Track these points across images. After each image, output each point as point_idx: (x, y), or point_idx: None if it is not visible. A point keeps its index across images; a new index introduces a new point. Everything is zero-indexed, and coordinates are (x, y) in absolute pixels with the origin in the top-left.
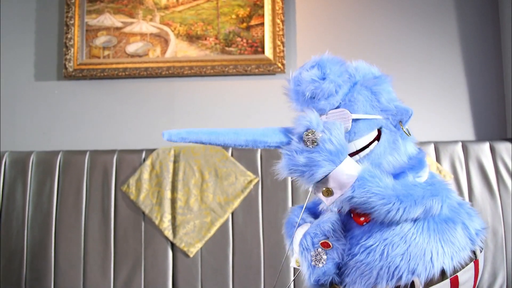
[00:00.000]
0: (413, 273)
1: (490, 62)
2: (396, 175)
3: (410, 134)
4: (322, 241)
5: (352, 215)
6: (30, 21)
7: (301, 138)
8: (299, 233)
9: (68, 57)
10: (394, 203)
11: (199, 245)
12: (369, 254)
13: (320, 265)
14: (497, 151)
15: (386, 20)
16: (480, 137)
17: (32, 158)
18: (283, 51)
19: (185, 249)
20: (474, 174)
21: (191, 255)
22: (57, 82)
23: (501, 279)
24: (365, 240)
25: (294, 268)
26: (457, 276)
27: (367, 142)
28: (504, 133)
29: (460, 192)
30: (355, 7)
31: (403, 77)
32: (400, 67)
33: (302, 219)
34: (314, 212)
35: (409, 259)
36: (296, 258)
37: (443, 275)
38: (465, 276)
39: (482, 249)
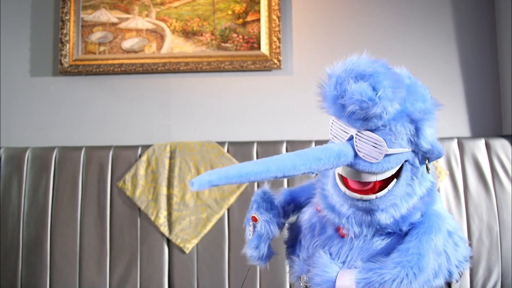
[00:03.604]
0: None
1: (486, 58)
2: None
3: (429, 171)
4: (252, 216)
5: (337, 228)
6: (26, 17)
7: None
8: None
9: (63, 53)
10: (400, 273)
11: (195, 241)
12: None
13: (250, 237)
14: (492, 147)
15: (382, 16)
16: (476, 134)
17: (28, 154)
18: (279, 47)
19: (181, 245)
20: (469, 171)
21: (187, 251)
22: (53, 78)
23: (495, 275)
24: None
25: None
26: None
27: (390, 175)
28: (499, 129)
29: (456, 189)
30: (351, 3)
31: None
32: (396, 63)
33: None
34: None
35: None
36: None
37: None
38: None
39: (458, 281)
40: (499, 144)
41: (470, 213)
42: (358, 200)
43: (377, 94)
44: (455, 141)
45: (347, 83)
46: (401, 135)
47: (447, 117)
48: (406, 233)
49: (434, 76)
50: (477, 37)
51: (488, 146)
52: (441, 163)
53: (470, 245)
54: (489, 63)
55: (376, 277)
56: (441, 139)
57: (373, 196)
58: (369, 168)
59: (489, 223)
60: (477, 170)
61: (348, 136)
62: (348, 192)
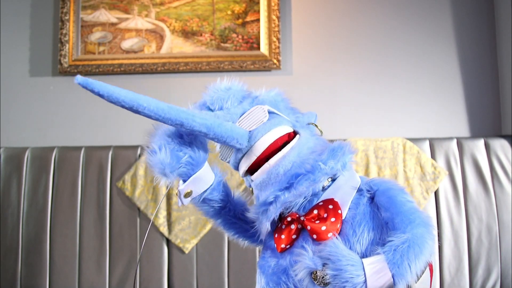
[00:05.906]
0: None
1: (485, 58)
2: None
3: (322, 133)
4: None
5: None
6: (25, 17)
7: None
8: None
9: (63, 53)
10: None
11: (194, 241)
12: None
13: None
14: (491, 147)
15: (382, 16)
16: (475, 134)
17: (27, 154)
18: (278, 47)
19: (181, 245)
20: (469, 171)
21: (187, 251)
22: (52, 78)
23: (495, 275)
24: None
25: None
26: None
27: (286, 132)
28: (499, 129)
29: (455, 189)
30: (351, 3)
31: (399, 73)
32: (396, 63)
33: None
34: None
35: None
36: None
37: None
38: (432, 260)
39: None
40: (499, 144)
41: (469, 213)
42: (274, 166)
43: (225, 86)
44: (455, 141)
45: (209, 92)
46: (270, 103)
47: (446, 117)
48: (377, 206)
49: (433, 76)
50: (477, 37)
51: (487, 146)
52: (440, 163)
53: (469, 245)
54: (489, 63)
55: (406, 252)
56: (441, 139)
57: (289, 147)
58: (262, 130)
59: (488, 223)
60: (476, 170)
61: None
62: (260, 170)
